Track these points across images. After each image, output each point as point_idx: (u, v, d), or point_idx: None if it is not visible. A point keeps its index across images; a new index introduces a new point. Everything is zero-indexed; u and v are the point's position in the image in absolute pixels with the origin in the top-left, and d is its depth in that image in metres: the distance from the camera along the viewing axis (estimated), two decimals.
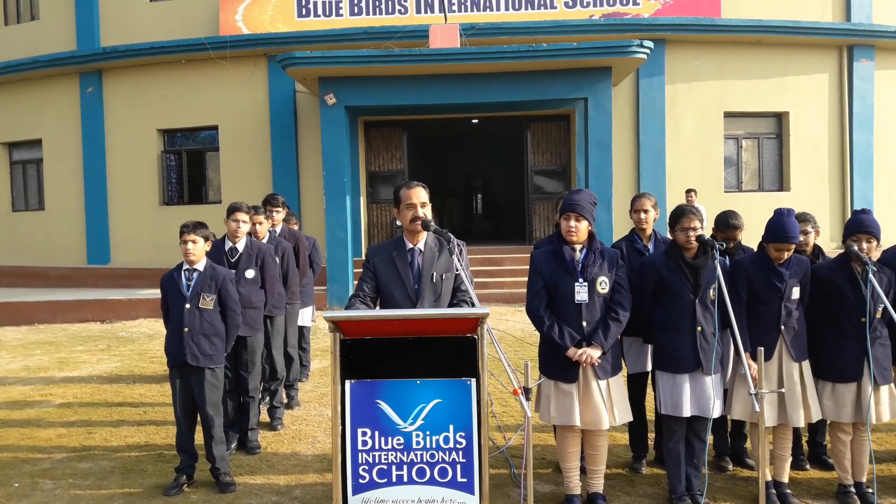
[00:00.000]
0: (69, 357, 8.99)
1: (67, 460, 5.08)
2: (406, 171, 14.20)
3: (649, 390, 4.73)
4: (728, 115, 14.08)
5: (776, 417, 3.91)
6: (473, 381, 2.99)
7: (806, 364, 3.98)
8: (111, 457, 5.14)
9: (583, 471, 4.11)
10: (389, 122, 14.20)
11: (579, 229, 3.82)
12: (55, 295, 12.95)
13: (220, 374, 4.62)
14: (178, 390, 4.52)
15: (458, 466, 2.99)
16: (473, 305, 3.58)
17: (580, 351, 3.76)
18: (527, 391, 2.98)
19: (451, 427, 2.99)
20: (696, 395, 3.91)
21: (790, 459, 4.09)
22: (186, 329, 4.45)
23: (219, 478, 4.52)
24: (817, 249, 4.48)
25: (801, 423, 3.89)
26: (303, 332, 7.11)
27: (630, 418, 3.98)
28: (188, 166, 15.20)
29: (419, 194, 3.52)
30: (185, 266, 4.54)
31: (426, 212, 3.50)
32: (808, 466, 4.54)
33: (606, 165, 12.10)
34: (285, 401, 6.29)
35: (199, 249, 4.49)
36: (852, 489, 4.02)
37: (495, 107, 13.12)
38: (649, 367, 4.58)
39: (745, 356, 3.54)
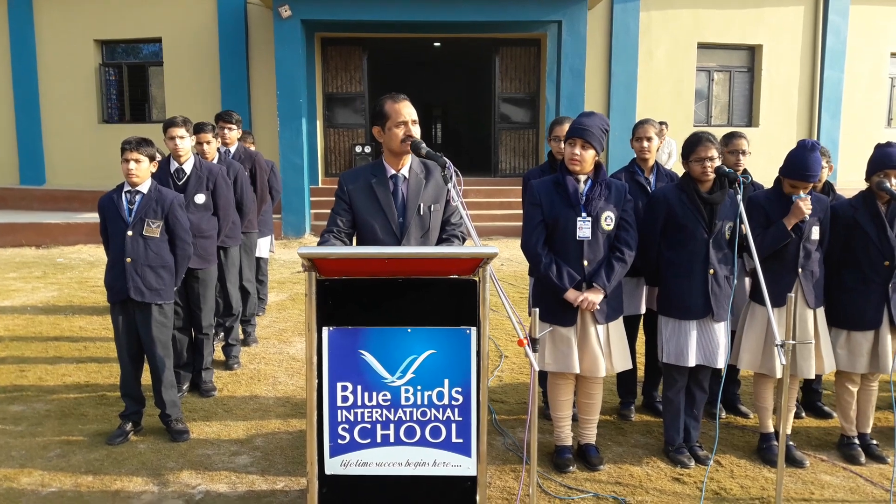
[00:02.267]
0: (0, 285, 8.27)
1: None
2: (366, 93, 13.43)
3: (640, 334, 4.43)
4: (702, 46, 13.65)
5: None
6: (473, 329, 2.56)
7: (820, 311, 3.67)
8: (46, 398, 4.62)
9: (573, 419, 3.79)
10: (348, 40, 13.31)
11: (585, 158, 3.37)
12: None
13: (169, 310, 4.10)
14: (122, 329, 4.00)
15: (454, 426, 2.60)
16: (464, 240, 3.14)
17: (580, 296, 3.36)
18: (534, 342, 2.57)
19: (447, 382, 2.58)
20: (702, 344, 3.58)
21: (794, 411, 3.83)
22: (129, 259, 3.89)
23: (170, 425, 4.06)
24: (828, 186, 4.13)
25: (812, 375, 3.61)
26: (260, 263, 6.57)
27: (629, 366, 3.65)
28: (129, 82, 14.09)
29: (410, 109, 2.97)
30: (127, 188, 3.95)
31: (417, 131, 2.97)
32: (803, 415, 4.33)
33: (579, 94, 11.60)
34: (241, 337, 5.82)
35: (142, 170, 3.89)
36: (856, 441, 3.80)
37: (462, 27, 12.37)
38: (643, 310, 4.24)
39: (771, 309, 3.15)
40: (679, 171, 4.29)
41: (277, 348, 5.79)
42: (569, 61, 11.56)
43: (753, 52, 14.02)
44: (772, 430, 3.82)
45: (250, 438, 4.04)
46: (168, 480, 3.53)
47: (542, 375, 3.99)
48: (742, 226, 3.28)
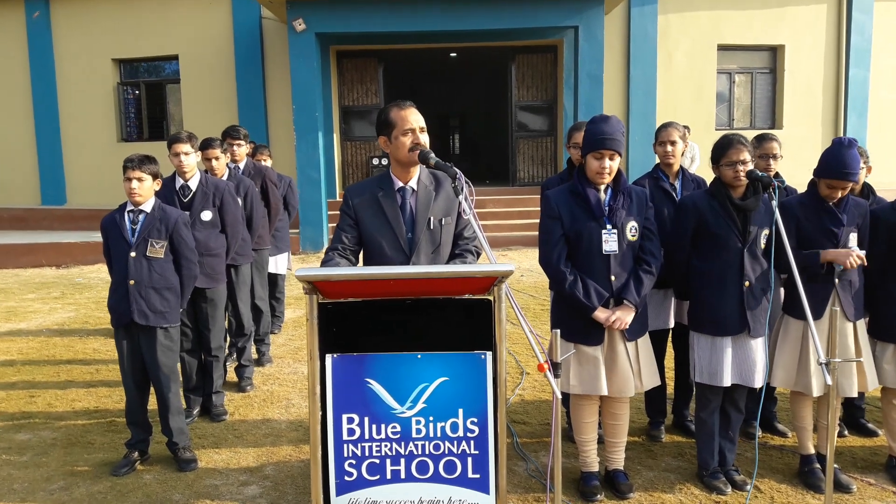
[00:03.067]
0: (18, 306, 8.23)
1: (2, 430, 4.42)
2: (382, 104, 13.29)
3: (669, 348, 4.20)
4: (722, 48, 13.36)
5: (823, 385, 3.37)
6: (489, 354, 2.36)
7: (861, 324, 3.42)
8: (54, 426, 4.49)
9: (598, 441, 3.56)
10: (363, 52, 13.22)
11: (613, 170, 3.16)
12: (6, 238, 12.04)
13: (175, 333, 3.94)
14: (126, 354, 3.85)
15: (469, 460, 2.39)
16: (479, 255, 2.94)
17: (613, 316, 3.14)
18: (555, 366, 2.37)
19: (461, 412, 2.37)
20: (738, 362, 3.34)
21: (837, 430, 3.57)
22: (132, 282, 3.75)
23: (177, 453, 3.90)
24: (867, 188, 3.88)
25: (854, 393, 3.35)
26: (276, 280, 6.43)
27: (658, 382, 3.41)
28: (147, 100, 14.16)
29: (417, 116, 2.78)
30: (130, 207, 3.81)
31: (425, 139, 2.79)
32: (846, 433, 4.05)
33: (597, 100, 11.36)
34: (255, 357, 5.67)
35: (145, 188, 3.75)
36: None
37: (477, 35, 12.21)
38: (671, 324, 4.00)
39: (812, 324, 2.90)
40: (704, 176, 4.07)
41: (292, 368, 5.62)
42: (586, 67, 11.35)
43: (775, 52, 13.69)
44: (812, 451, 3.56)
45: (261, 467, 3.86)
46: None
47: (565, 395, 3.77)
48: (778, 234, 3.05)
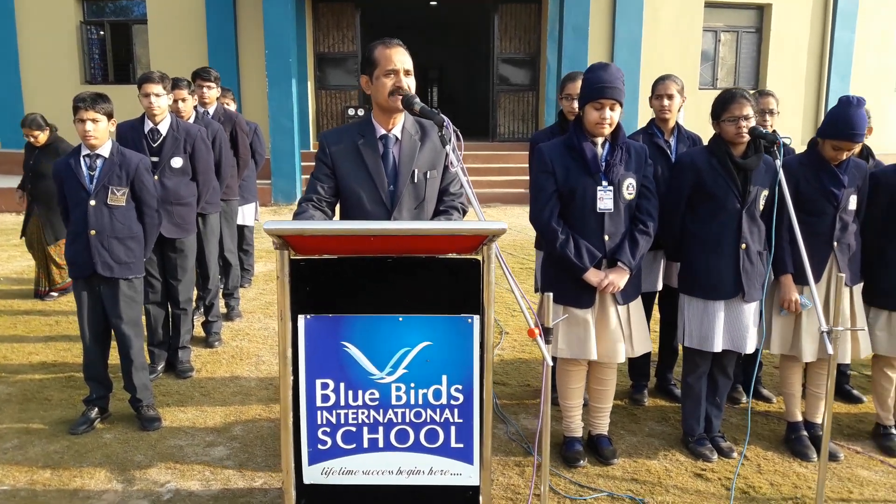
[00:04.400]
0: None
1: None
2: (360, 53, 12.86)
3: (654, 311, 4.08)
4: (709, 5, 13.09)
5: (817, 352, 3.27)
6: (476, 318, 2.18)
7: (857, 289, 3.30)
8: (9, 380, 4.26)
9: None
10: None
11: (614, 120, 2.95)
12: None
13: (139, 284, 3.71)
14: (87, 307, 3.61)
15: (453, 428, 2.23)
16: (465, 212, 2.74)
17: (605, 280, 2.97)
18: (546, 332, 2.20)
19: (444, 378, 2.20)
20: (729, 327, 3.21)
21: (825, 399, 3.48)
22: (93, 232, 3.50)
23: (140, 411, 3.71)
24: (866, 150, 3.73)
25: (848, 360, 3.26)
26: (244, 232, 6.18)
27: (650, 348, 3.28)
28: (113, 41, 13.49)
29: (403, 57, 2.51)
30: (85, 151, 3.53)
31: (411, 83, 2.54)
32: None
33: (582, 55, 11.07)
34: (224, 312, 5.45)
35: (100, 130, 3.47)
36: (894, 430, 3.46)
37: None
38: (659, 286, 3.87)
39: (814, 290, 2.76)
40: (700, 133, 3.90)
41: (262, 323, 5.42)
42: (572, 19, 11.02)
43: (762, 11, 13.47)
44: (800, 418, 3.48)
45: (228, 427, 3.68)
46: (134, 477, 3.17)
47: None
48: (781, 195, 2.88)
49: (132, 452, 3.39)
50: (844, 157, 3.20)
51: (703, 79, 13.51)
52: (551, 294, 2.24)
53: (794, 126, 14.28)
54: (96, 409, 3.69)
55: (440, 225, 2.14)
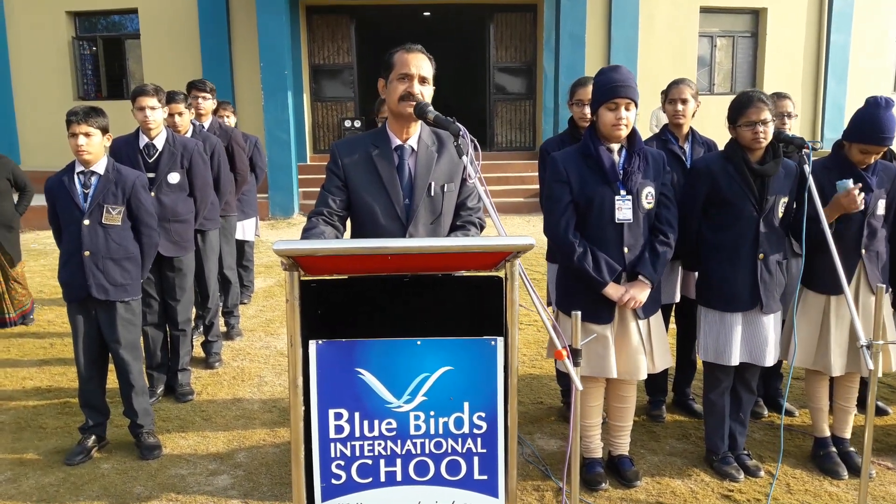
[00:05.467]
0: None
1: None
2: (355, 65, 12.77)
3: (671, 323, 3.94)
4: (704, 10, 13.05)
5: (845, 365, 3.13)
6: (499, 340, 2.04)
7: (887, 299, 3.17)
8: (2, 407, 4.10)
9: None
10: (335, 8, 12.62)
11: (630, 121, 2.82)
12: None
13: (137, 307, 3.57)
14: (82, 332, 3.46)
15: (476, 459, 2.09)
16: (482, 228, 2.60)
17: (626, 294, 2.84)
18: (575, 354, 2.06)
19: (466, 405, 2.06)
20: (748, 339, 3.07)
21: (854, 412, 3.35)
22: (87, 252, 3.35)
23: (140, 438, 3.55)
24: (890, 154, 3.61)
25: (879, 373, 3.12)
26: (244, 247, 6.05)
27: (671, 363, 3.15)
28: (105, 56, 13.39)
29: (421, 63, 2.38)
30: (79, 168, 3.39)
31: (427, 92, 2.42)
32: (855, 412, 3.85)
33: (579, 62, 11.00)
34: (224, 331, 5.30)
35: (94, 145, 3.33)
36: None
37: None
38: (677, 298, 3.74)
39: (852, 304, 2.63)
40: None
41: (264, 342, 5.27)
42: (568, 27, 10.95)
43: (757, 15, 13.44)
44: (828, 433, 3.34)
45: (231, 453, 3.53)
46: None
47: (563, 373, 3.49)
48: (812, 202, 2.76)
49: (131, 483, 3.24)
50: (872, 161, 3.08)
51: (700, 84, 13.44)
52: (579, 313, 2.10)
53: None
54: (93, 437, 3.54)
55: (464, 241, 2.00)
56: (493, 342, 2.03)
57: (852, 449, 3.30)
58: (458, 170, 2.48)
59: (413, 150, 2.49)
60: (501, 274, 2.04)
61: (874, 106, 2.94)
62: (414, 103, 2.31)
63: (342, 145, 2.51)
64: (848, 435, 3.33)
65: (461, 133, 2.14)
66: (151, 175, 4.00)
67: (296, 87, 11.88)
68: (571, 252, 2.84)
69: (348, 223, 2.57)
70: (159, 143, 4.09)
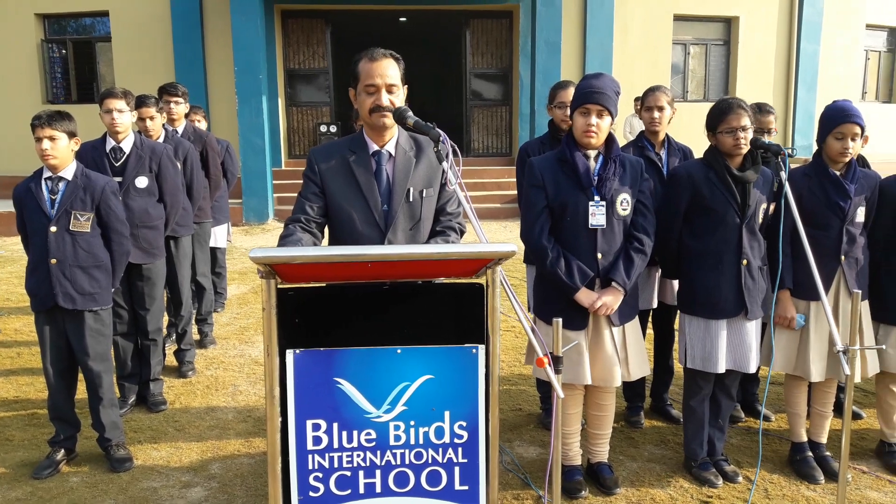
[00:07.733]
0: None
1: None
2: (330, 69, 12.70)
3: (648, 329, 3.94)
4: (678, 18, 13.21)
5: (825, 371, 3.16)
6: (481, 347, 2.01)
7: (865, 305, 3.20)
8: None
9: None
10: (310, 13, 12.53)
11: (601, 128, 2.81)
12: None
13: (107, 316, 3.48)
14: (50, 342, 3.36)
15: (457, 469, 2.05)
16: (462, 233, 2.58)
17: (598, 302, 2.83)
18: (556, 361, 2.04)
19: (447, 415, 2.03)
20: (733, 346, 3.08)
21: (831, 418, 3.37)
22: (54, 260, 3.26)
23: (109, 451, 3.46)
24: (861, 160, 3.66)
25: (857, 378, 3.14)
26: (216, 254, 5.94)
27: (647, 371, 3.13)
28: (75, 59, 13.15)
29: (385, 69, 2.34)
30: (47, 174, 3.30)
31: (396, 99, 2.38)
32: (831, 416, 3.88)
33: (554, 69, 11.03)
34: (197, 339, 5.20)
35: (60, 149, 3.24)
36: None
37: None
38: (654, 304, 3.74)
39: (828, 307, 2.65)
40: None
41: (238, 350, 5.18)
42: (544, 34, 10.99)
43: (730, 24, 13.63)
44: (805, 438, 3.36)
45: (205, 464, 3.45)
46: None
47: (545, 381, 3.47)
48: (788, 208, 2.77)
49: (101, 497, 3.15)
50: (850, 156, 3.09)
51: (674, 91, 13.52)
52: (560, 320, 2.08)
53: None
54: (62, 450, 3.43)
55: (445, 249, 1.97)
56: (474, 350, 2.01)
57: (828, 454, 3.33)
58: (436, 174, 2.46)
59: (391, 155, 2.46)
60: (482, 281, 2.01)
61: (832, 104, 3.08)
62: (386, 114, 2.29)
63: (319, 151, 2.47)
64: (824, 440, 3.35)
65: (441, 139, 2.11)
66: (119, 179, 3.91)
67: (270, 91, 11.78)
68: (544, 256, 2.84)
69: (326, 230, 2.52)
70: (126, 146, 4.01)
